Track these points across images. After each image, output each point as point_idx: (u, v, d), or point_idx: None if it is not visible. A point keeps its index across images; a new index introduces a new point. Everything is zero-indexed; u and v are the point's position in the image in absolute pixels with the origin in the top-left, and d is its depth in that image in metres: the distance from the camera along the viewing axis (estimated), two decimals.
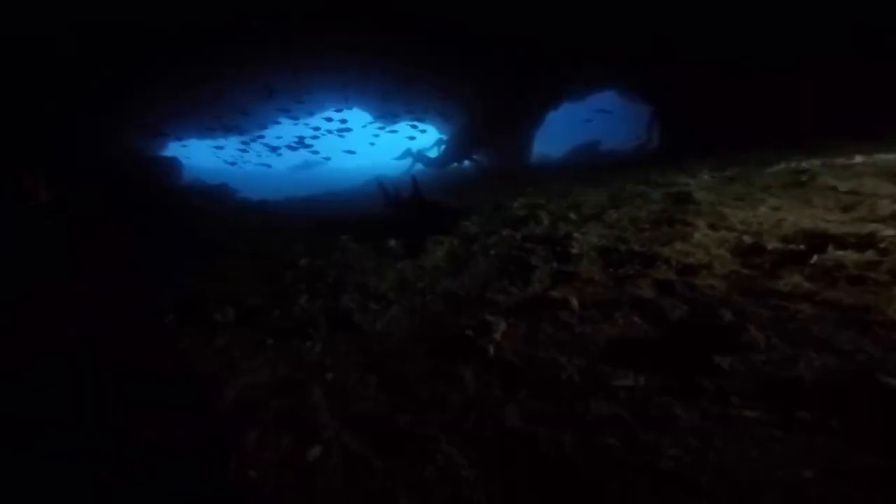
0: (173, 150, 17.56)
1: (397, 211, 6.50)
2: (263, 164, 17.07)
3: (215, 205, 9.29)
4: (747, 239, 3.48)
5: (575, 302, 2.75)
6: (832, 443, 1.44)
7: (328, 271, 3.98)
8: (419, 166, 19.00)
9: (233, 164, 20.96)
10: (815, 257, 2.86)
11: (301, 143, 15.87)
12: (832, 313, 2.20)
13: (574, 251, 3.78)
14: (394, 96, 15.94)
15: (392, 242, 4.47)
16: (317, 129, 16.01)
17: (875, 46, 9.31)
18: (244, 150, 17.03)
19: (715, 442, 1.56)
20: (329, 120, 15.81)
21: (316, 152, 17.90)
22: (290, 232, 6.41)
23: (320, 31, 11.67)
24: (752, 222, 3.86)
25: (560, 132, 20.60)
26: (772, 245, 3.22)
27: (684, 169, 7.74)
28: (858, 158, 6.38)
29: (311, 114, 18.07)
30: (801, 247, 3.08)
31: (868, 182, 4.76)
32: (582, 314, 2.64)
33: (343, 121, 15.63)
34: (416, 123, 17.87)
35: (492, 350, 2.34)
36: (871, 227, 3.28)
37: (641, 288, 2.85)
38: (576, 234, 4.10)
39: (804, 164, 6.39)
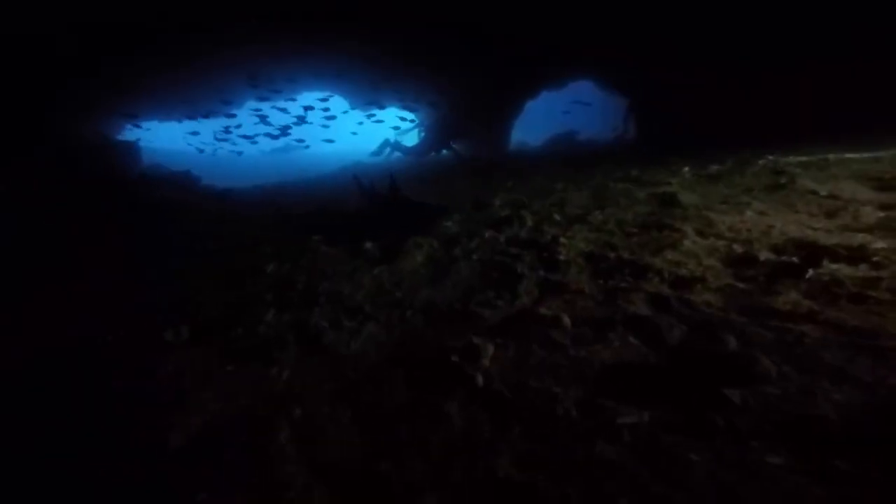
0: (138, 134, 16.38)
1: (373, 206, 6.17)
2: (235, 152, 16.10)
3: (176, 194, 8.62)
4: (738, 248, 3.38)
5: (567, 320, 2.56)
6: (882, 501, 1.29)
7: (297, 277, 3.64)
8: (396, 154, 18.53)
9: (201, 151, 19.86)
10: (810, 272, 2.76)
11: (284, 131, 15.13)
12: (839, 337, 2.08)
13: (561, 258, 3.59)
14: (378, 84, 15.35)
15: (368, 245, 4.17)
16: (301, 117, 15.25)
17: (849, 46, 9.50)
18: (223, 139, 15.97)
19: (739, 495, 1.40)
20: (310, 108, 15.08)
21: (301, 140, 17.11)
22: (257, 227, 5.98)
23: (300, 19, 11.05)
24: (740, 229, 3.77)
25: (538, 121, 20.46)
26: (763, 255, 3.12)
27: (664, 164, 7.70)
28: (832, 157, 6.48)
29: (288, 100, 17.28)
30: (794, 259, 2.99)
31: (845, 186, 4.78)
32: (574, 333, 2.45)
33: (325, 109, 14.96)
34: (403, 115, 17.36)
35: (480, 379, 2.12)
36: (860, 237, 3.23)
37: (635, 303, 2.69)
38: (562, 239, 3.92)
39: (780, 163, 6.44)
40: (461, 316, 2.81)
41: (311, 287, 3.38)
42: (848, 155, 6.48)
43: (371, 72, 14.60)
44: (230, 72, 14.09)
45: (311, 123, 15.07)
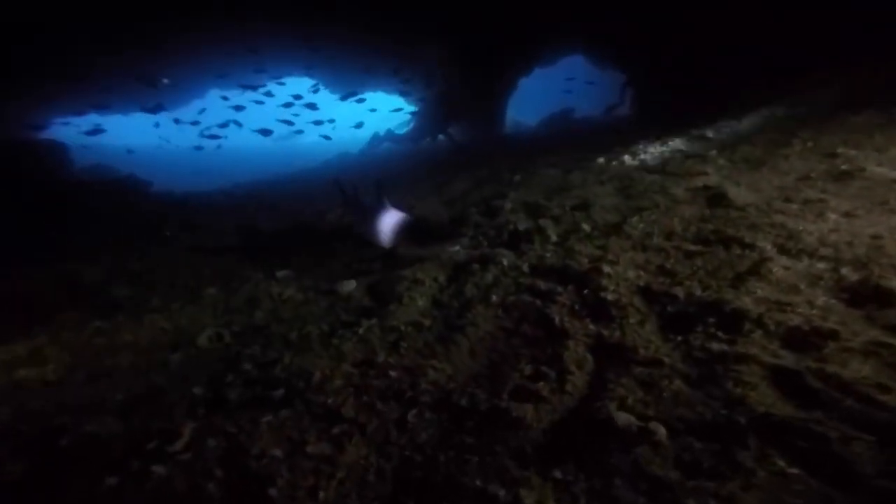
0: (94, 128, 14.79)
1: (358, 220, 5.19)
2: (196, 147, 14.65)
3: (113, 206, 7.39)
4: (849, 273, 2.51)
5: (660, 429, 1.66)
6: None
7: (246, 349, 2.65)
8: (388, 146, 17.35)
9: (168, 141, 18.21)
10: None
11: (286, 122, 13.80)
12: None
13: (609, 296, 2.69)
14: (367, 67, 14.03)
15: (350, 287, 3.21)
16: (290, 104, 13.93)
17: None
18: (216, 136, 14.36)
19: None
20: (298, 97, 13.78)
21: (300, 131, 15.75)
22: (205, 255, 4.92)
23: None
24: (835, 242, 2.89)
25: (532, 99, 19.35)
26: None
27: (681, 147, 6.79)
28: (878, 138, 5.61)
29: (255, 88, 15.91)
30: None
31: None
32: (681, 458, 1.56)
33: (313, 99, 13.73)
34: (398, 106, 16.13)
35: None
36: None
37: (752, 385, 1.80)
38: (604, 266, 3.00)
39: (824, 143, 5.56)
40: (488, 419, 1.90)
41: (265, 367, 2.40)
42: None
43: (359, 54, 13.31)
44: (205, 57, 12.74)
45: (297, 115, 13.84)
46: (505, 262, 3.34)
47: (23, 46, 9.01)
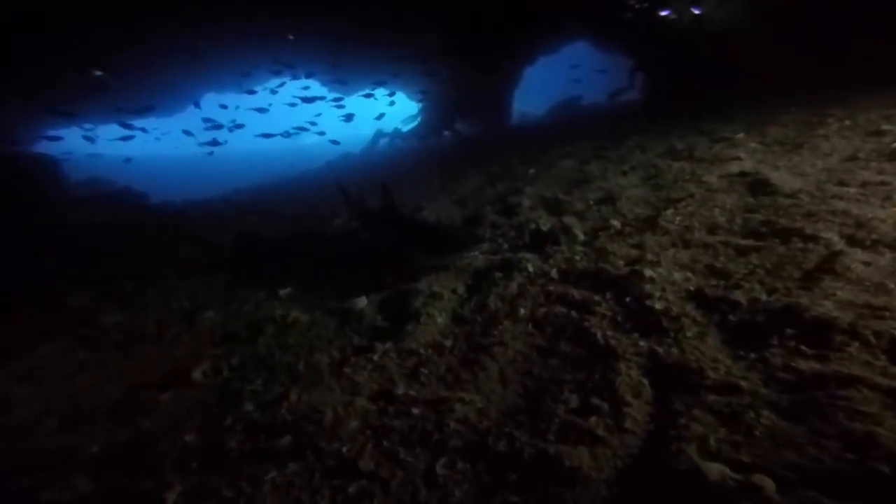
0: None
1: (364, 226, 4.86)
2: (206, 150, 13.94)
3: (106, 220, 7.07)
4: None
5: (769, 485, 1.31)
6: None
7: (247, 384, 2.32)
8: (396, 143, 16.92)
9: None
10: None
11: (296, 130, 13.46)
12: None
13: (657, 305, 2.33)
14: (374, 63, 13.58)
15: (362, 304, 2.87)
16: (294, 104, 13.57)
17: None
18: (219, 143, 13.79)
19: None
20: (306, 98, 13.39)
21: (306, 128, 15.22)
22: (203, 272, 4.62)
23: None
24: None
25: (537, 88, 18.84)
26: None
27: (704, 131, 6.36)
28: None
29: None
30: None
31: None
32: None
33: (307, 96, 13.30)
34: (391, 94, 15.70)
35: None
36: None
37: (872, 417, 1.43)
38: (646, 270, 2.63)
39: (861, 120, 5.12)
40: (535, 469, 1.55)
41: (269, 407, 2.06)
42: None
43: (367, 50, 12.86)
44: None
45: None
46: (530, 268, 2.98)
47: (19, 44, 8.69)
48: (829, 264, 2.34)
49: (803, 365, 1.73)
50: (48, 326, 3.14)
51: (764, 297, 2.22)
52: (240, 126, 14.24)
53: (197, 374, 2.37)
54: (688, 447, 1.48)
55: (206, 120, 12.76)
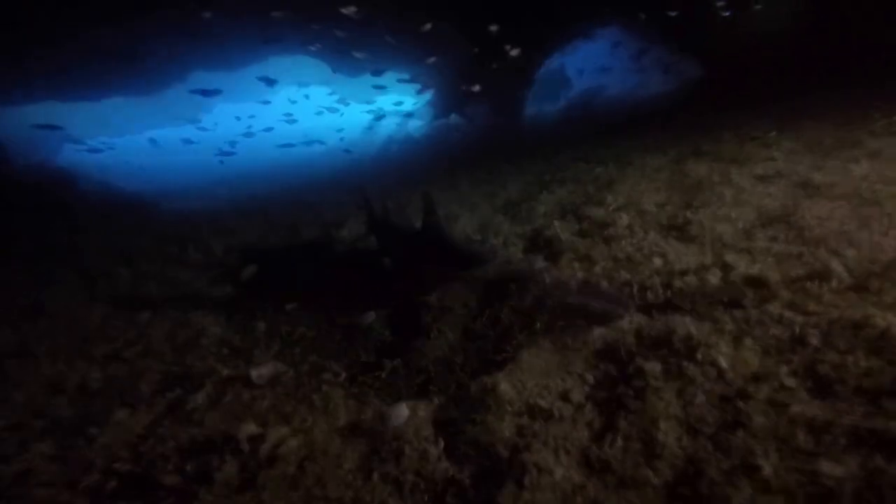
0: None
1: (385, 245, 4.18)
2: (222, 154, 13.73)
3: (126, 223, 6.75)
4: None
5: None
6: None
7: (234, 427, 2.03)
8: (413, 123, 16.27)
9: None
10: None
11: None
12: None
13: (724, 366, 1.92)
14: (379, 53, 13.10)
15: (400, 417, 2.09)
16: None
17: None
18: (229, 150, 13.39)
19: None
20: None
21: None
22: (199, 289, 4.30)
23: None
24: None
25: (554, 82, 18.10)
26: None
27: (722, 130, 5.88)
28: None
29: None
30: None
31: None
32: None
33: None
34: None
35: None
36: None
37: None
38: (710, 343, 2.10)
39: None
40: None
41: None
42: None
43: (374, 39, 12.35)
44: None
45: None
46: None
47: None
48: None
49: None
50: None
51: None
52: (269, 129, 13.69)
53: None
54: None
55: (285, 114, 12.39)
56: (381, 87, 10.83)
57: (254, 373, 2.42)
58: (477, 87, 10.93)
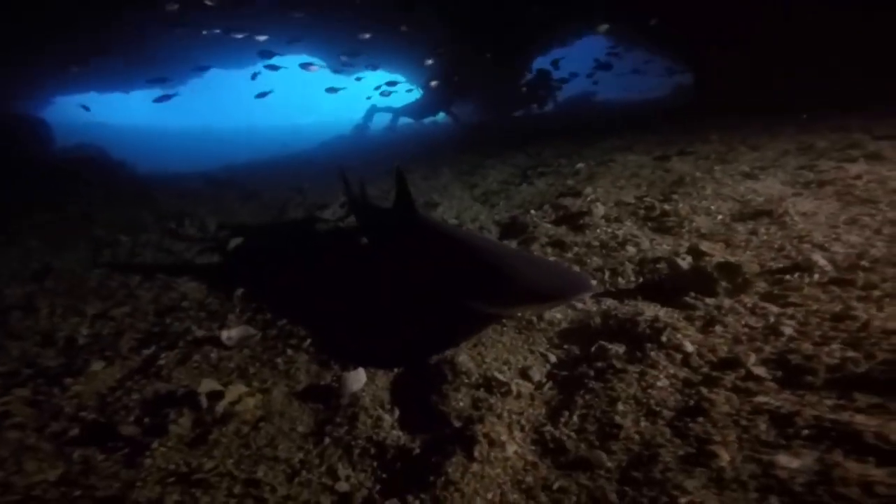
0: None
1: (367, 233, 4.03)
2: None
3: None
4: None
5: None
6: None
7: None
8: (405, 120, 16.09)
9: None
10: None
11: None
12: None
13: (689, 348, 1.83)
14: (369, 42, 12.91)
15: (357, 384, 1.91)
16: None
17: None
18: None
19: None
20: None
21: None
22: (189, 259, 4.16)
23: None
24: None
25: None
26: None
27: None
28: None
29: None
30: None
31: None
32: None
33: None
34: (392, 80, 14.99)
35: None
36: None
37: None
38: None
39: None
40: None
41: None
42: None
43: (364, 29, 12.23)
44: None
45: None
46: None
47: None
48: None
49: None
50: None
51: None
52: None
53: None
54: None
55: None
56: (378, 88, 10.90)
57: (224, 334, 2.42)
58: (464, 87, 10.94)
